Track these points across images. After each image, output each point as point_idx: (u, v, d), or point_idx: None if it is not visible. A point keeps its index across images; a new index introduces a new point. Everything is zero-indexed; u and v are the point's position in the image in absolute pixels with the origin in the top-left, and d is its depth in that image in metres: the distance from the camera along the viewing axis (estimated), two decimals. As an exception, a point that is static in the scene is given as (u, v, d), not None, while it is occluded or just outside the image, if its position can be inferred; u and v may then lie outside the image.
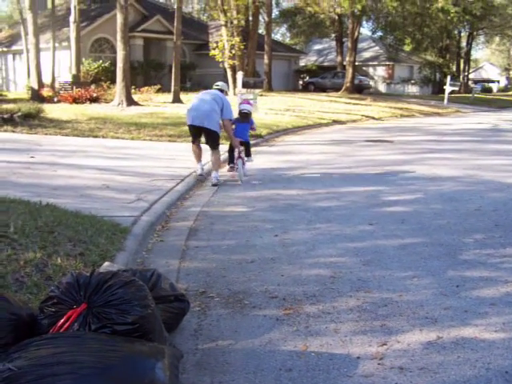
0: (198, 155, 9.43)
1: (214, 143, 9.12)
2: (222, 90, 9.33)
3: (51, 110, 17.97)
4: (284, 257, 5.34)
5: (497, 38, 56.61)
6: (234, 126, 9.45)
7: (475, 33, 50.84)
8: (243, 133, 9.58)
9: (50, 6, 31.20)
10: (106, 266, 3.81)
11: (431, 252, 5.44)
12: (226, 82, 24.41)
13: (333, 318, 3.94)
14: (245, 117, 9.61)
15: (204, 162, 9.66)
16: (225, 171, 9.84)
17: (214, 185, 8.88)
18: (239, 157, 9.35)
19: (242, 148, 9.48)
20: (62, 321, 2.80)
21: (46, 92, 23.66)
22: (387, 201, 7.80)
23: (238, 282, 4.64)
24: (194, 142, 9.34)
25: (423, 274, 4.83)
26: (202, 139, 9.34)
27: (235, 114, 9.74)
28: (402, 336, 3.66)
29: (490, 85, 64.35)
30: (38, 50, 23.66)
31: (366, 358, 3.39)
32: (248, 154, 9.84)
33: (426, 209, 7.28)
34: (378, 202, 7.73)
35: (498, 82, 70.79)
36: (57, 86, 25.43)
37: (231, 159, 9.60)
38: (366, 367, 3.29)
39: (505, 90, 66.91)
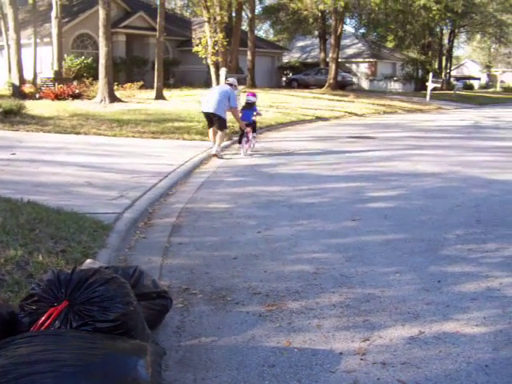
0: (213, 137, 11.51)
1: (220, 125, 11.30)
2: (231, 84, 11.64)
3: (33, 107, 17.77)
4: (267, 253, 5.34)
5: (478, 36, 56.98)
6: (241, 113, 11.95)
7: (457, 30, 51.18)
8: (248, 116, 12.02)
9: (31, 1, 30.82)
10: (88, 263, 3.79)
11: (413, 248, 5.48)
12: (210, 78, 24.37)
13: (316, 314, 3.95)
14: (249, 105, 12.21)
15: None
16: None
17: (214, 155, 11.16)
18: (246, 135, 11.69)
19: (248, 129, 11.72)
20: (43, 319, 2.77)
21: (27, 88, 23.39)
22: (370, 197, 7.83)
23: (221, 279, 4.64)
24: (209, 126, 11.68)
25: (405, 269, 4.87)
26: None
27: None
28: (384, 331, 3.68)
29: (472, 82, 64.85)
30: (19, 46, 23.38)
31: (348, 354, 3.40)
32: (255, 130, 12.29)
33: (408, 205, 7.32)
34: (361, 198, 7.76)
35: (479, 79, 71.39)
36: (39, 82, 25.14)
37: (240, 141, 11.91)
38: (348, 363, 3.30)
39: (486, 87, 67.52)
